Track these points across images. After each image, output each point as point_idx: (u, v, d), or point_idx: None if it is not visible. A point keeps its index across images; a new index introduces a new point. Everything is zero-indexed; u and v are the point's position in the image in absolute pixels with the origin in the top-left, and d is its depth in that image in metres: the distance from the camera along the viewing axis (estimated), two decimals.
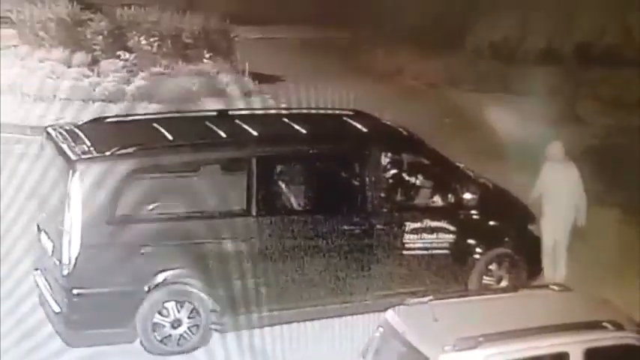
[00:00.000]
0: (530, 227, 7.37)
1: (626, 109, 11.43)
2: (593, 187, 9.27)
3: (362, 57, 13.82)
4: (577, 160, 9.70)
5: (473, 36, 13.96)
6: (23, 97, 11.90)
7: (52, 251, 6.28)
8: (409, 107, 10.69)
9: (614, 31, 12.97)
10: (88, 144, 6.38)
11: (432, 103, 11.99)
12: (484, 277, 7.05)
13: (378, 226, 6.70)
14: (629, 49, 12.61)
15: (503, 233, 7.18)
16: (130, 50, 12.99)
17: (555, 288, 5.54)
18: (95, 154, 6.25)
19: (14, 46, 13.30)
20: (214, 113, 7.48)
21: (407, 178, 7.23)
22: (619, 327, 4.94)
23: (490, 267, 7.10)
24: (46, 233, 6.48)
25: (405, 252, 6.76)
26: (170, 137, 6.57)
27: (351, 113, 7.53)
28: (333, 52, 14.00)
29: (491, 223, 7.14)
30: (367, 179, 6.78)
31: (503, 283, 7.09)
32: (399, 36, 13.97)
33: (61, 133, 6.65)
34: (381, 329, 5.11)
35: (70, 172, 6.09)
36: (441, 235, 6.88)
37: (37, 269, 6.71)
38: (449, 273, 6.90)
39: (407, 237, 6.77)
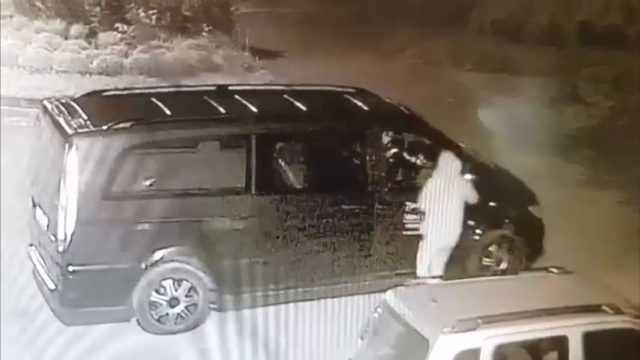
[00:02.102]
0: (531, 209, 7.31)
1: (628, 90, 11.36)
2: (594, 168, 9.27)
3: (364, 34, 13.66)
4: (579, 140, 9.64)
5: (476, 13, 13.82)
6: (19, 68, 11.76)
7: (47, 227, 6.21)
8: (411, 86, 10.60)
9: (616, 11, 12.87)
10: (85, 118, 6.28)
11: (434, 81, 11.88)
12: (483, 259, 7.02)
13: (378, 206, 6.65)
14: (632, 30, 12.52)
15: (503, 214, 7.12)
16: (128, 23, 12.82)
17: (555, 271, 5.51)
18: (92, 128, 6.15)
19: (10, 16, 13.10)
20: (213, 88, 7.35)
21: (407, 157, 7.16)
22: (618, 311, 4.92)
23: (490, 248, 7.06)
24: (41, 208, 6.40)
25: (404, 232, 6.70)
26: (168, 112, 6.47)
27: (352, 91, 7.42)
28: (335, 28, 13.84)
29: (492, 204, 7.07)
30: (368, 158, 6.71)
31: (503, 265, 7.05)
32: (402, 13, 13.80)
33: (57, 107, 6.55)
34: (379, 310, 5.08)
35: (66, 146, 6.00)
36: None
37: (31, 245, 6.64)
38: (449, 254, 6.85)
39: (407, 217, 6.72)
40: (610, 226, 7.97)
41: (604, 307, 4.92)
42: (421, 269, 6.51)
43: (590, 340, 4.78)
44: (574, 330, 4.79)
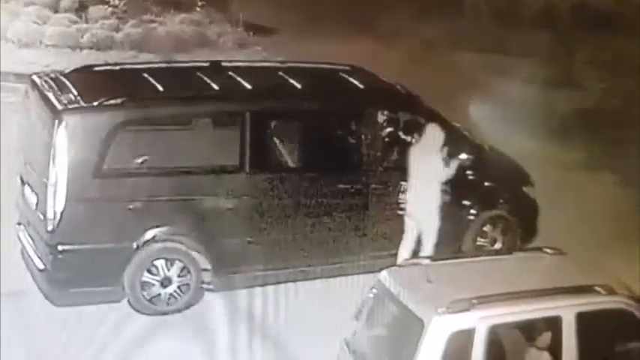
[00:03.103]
0: (525, 189, 7.30)
1: (623, 73, 11.33)
2: (589, 150, 9.26)
3: (360, 13, 13.52)
4: (574, 123, 9.60)
5: None
6: (7, 42, 11.57)
7: (36, 205, 6.11)
8: (407, 66, 10.50)
9: None
10: (75, 93, 6.17)
11: (430, 62, 11.79)
12: (478, 239, 7.01)
13: (373, 185, 6.61)
14: (627, 12, 12.45)
15: (498, 195, 7.12)
16: None
17: (549, 251, 5.50)
18: (82, 104, 6.05)
19: None
20: (207, 64, 7.24)
21: (403, 136, 7.10)
22: (611, 291, 4.92)
23: (484, 229, 7.05)
24: (30, 186, 6.30)
25: (399, 212, 6.66)
26: (160, 88, 6.37)
27: (347, 69, 7.35)
28: (332, 6, 13.67)
29: (487, 184, 7.08)
30: (363, 137, 6.66)
31: (498, 245, 7.05)
32: None
33: (46, 82, 6.43)
34: (374, 290, 5.06)
35: (56, 122, 5.89)
36: None
37: (20, 224, 6.54)
38: (443, 234, 6.83)
39: (402, 197, 6.68)
40: (605, 207, 7.97)
41: (597, 288, 4.91)
42: (403, 249, 6.44)
43: (584, 320, 4.78)
44: (567, 310, 4.79)
